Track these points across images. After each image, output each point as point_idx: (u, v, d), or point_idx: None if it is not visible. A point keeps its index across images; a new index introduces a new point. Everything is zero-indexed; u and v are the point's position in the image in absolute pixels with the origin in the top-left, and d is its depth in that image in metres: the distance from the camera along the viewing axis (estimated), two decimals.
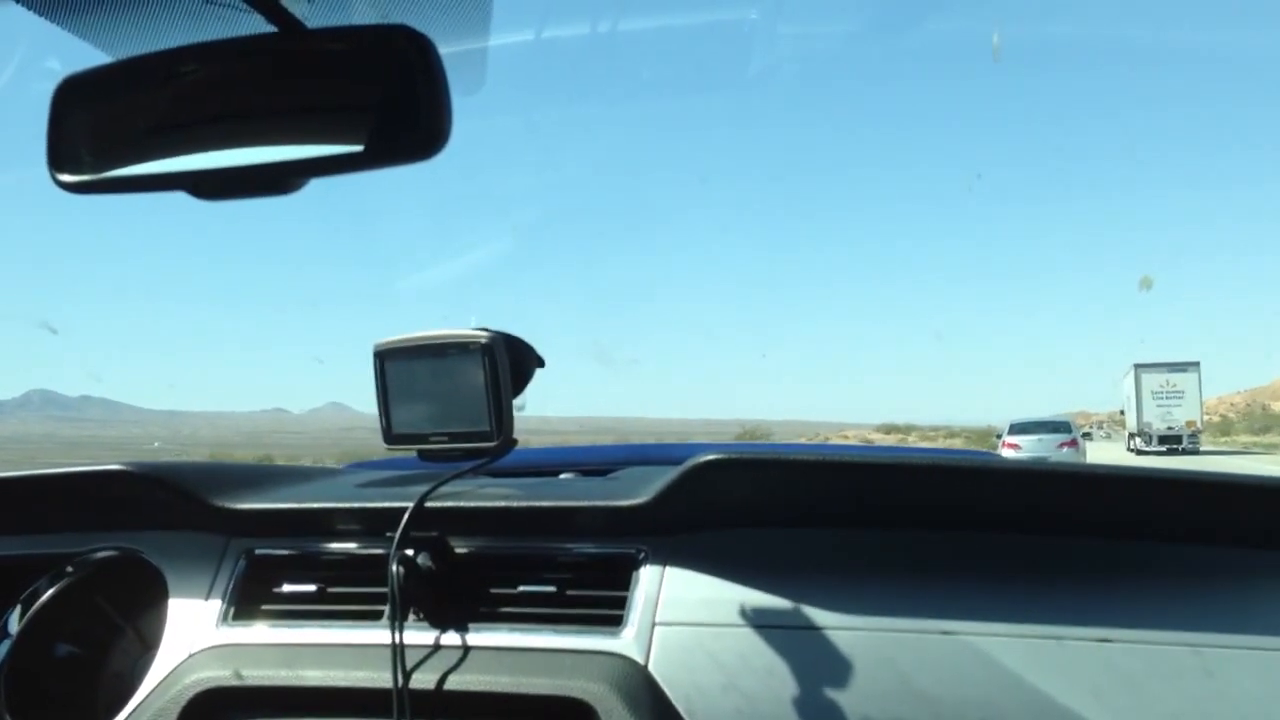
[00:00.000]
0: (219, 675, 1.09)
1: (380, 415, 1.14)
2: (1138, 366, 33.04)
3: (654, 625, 1.04)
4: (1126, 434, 37.00)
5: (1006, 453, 18.44)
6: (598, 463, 1.71)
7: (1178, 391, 32.21)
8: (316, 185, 0.76)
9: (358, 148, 0.73)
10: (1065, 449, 18.99)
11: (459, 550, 1.13)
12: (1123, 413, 38.53)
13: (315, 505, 1.21)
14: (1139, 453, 31.98)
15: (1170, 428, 31.93)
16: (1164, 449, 31.32)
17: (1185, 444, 31.56)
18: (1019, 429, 20.33)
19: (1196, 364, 33.10)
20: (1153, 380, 32.53)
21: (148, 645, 1.26)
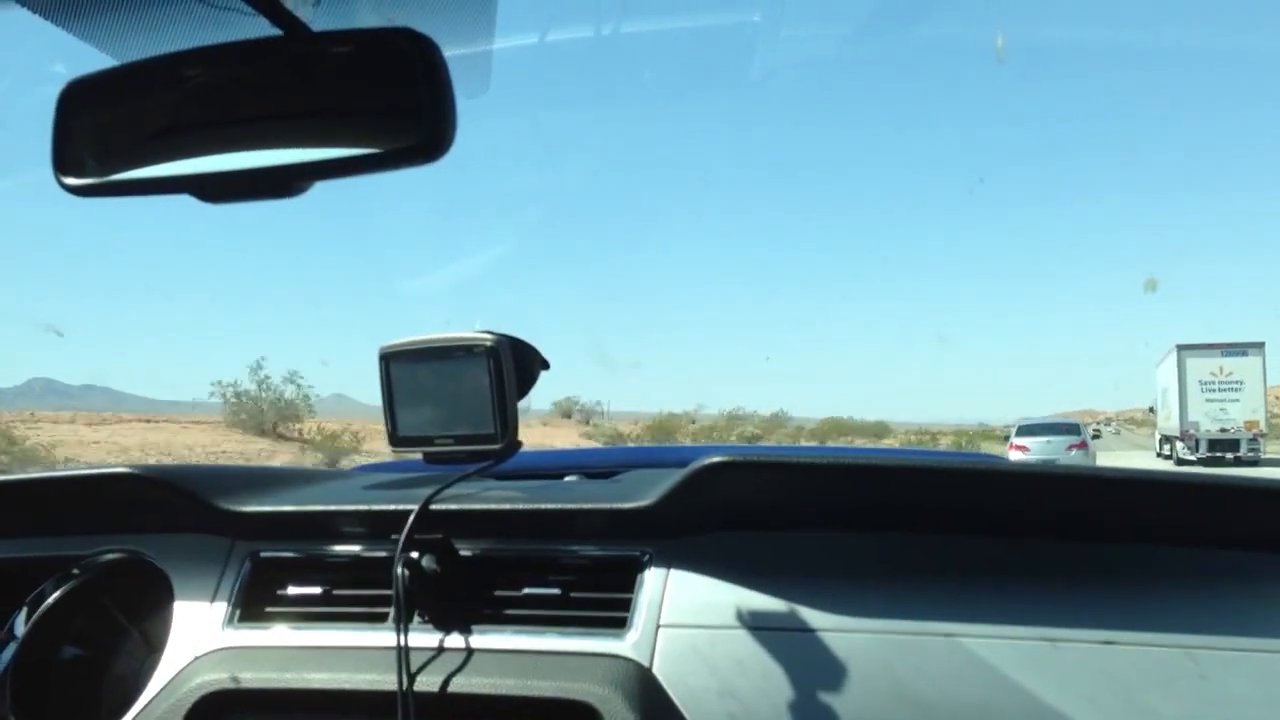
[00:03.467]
0: (224, 678, 1.09)
1: (386, 418, 1.14)
2: (1181, 349, 24.18)
3: (658, 628, 1.04)
4: (1157, 436, 29.03)
5: (1014, 455, 18.23)
6: (602, 465, 1.71)
7: (1234, 382, 23.62)
8: (320, 186, 0.76)
9: (362, 151, 0.73)
10: (1074, 451, 18.72)
11: (464, 552, 1.13)
12: (1151, 410, 30.08)
13: (320, 508, 1.21)
14: (1180, 461, 23.58)
15: (1224, 429, 23.47)
16: (1213, 456, 23.08)
17: (1244, 451, 23.14)
18: (1027, 430, 20.03)
19: (1260, 345, 24.02)
20: (1201, 366, 23.78)
21: (153, 648, 1.26)
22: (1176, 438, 24.53)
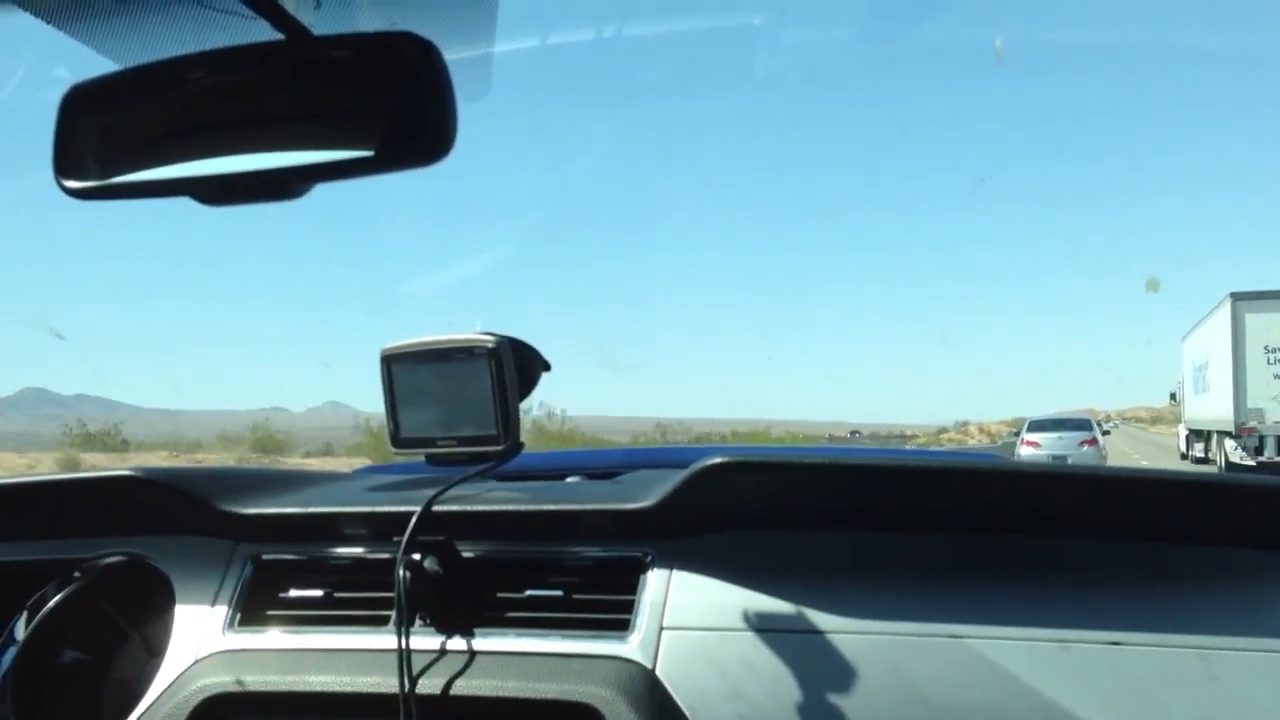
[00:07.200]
0: (225, 681, 1.09)
1: (388, 419, 1.14)
2: (1238, 299, 15.71)
3: (661, 629, 1.04)
4: (1182, 432, 22.05)
5: (1025, 450, 17.86)
6: (604, 466, 1.71)
7: None
8: (322, 188, 0.76)
9: (364, 153, 0.73)
10: (1086, 447, 17.99)
11: (466, 554, 1.13)
12: (1173, 398, 22.60)
13: (322, 510, 1.21)
14: (1231, 467, 15.88)
15: None
16: None
17: None
18: (1038, 426, 19.35)
19: None
20: (1269, 326, 15.26)
21: (154, 651, 1.26)
22: (1224, 433, 16.74)
